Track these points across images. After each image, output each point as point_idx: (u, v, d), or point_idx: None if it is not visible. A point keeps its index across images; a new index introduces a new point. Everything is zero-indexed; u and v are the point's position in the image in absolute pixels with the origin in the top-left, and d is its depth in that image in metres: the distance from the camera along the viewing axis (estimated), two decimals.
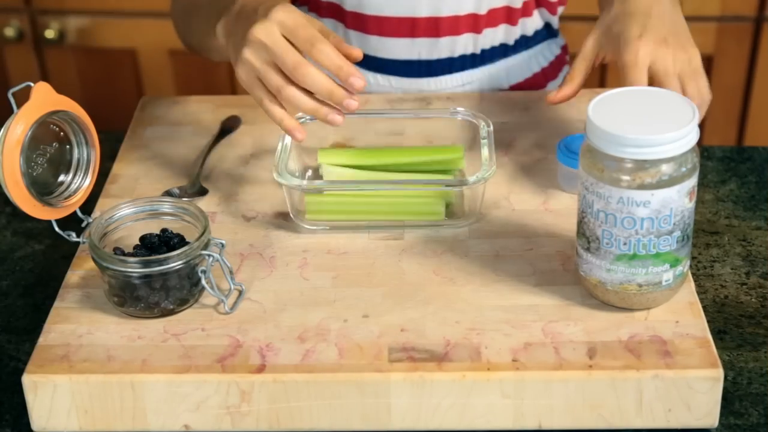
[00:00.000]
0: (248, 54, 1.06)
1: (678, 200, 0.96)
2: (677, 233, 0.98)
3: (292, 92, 1.06)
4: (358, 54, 1.10)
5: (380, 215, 1.13)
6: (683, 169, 0.95)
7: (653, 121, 0.96)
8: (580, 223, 1.01)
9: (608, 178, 0.96)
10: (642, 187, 0.95)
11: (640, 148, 0.94)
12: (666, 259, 0.98)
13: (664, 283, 1.00)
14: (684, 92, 1.11)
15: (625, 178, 0.95)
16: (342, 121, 1.07)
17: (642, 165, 0.95)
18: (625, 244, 0.98)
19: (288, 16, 1.06)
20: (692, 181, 0.97)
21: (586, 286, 1.03)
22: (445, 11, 1.37)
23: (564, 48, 1.52)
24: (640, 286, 0.99)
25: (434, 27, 1.38)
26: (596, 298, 1.02)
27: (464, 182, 1.10)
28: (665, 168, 0.95)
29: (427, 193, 1.14)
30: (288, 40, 1.06)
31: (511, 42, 1.43)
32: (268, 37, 1.05)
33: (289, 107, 1.08)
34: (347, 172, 1.18)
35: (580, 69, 1.17)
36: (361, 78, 1.05)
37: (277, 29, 1.05)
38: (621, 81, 1.11)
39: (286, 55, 1.05)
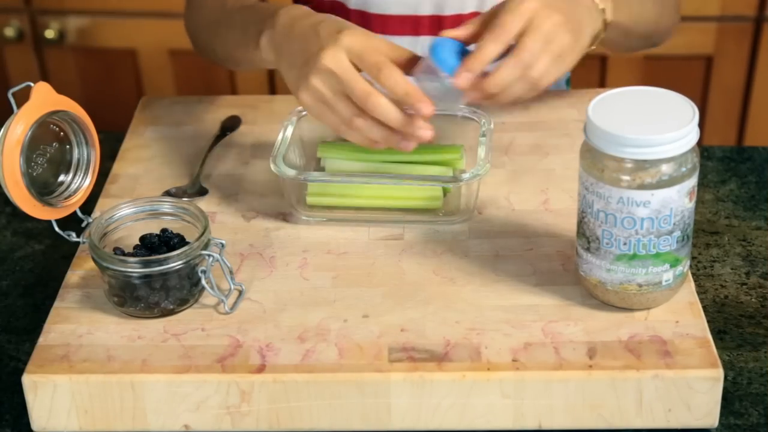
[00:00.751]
0: (316, 82, 1.03)
1: (678, 200, 0.96)
2: (677, 233, 0.98)
3: (362, 123, 1.03)
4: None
5: (379, 200, 1.14)
6: (683, 169, 0.96)
7: (653, 120, 0.96)
8: (580, 223, 1.01)
9: (608, 178, 0.96)
10: (642, 187, 0.95)
11: (640, 148, 0.94)
12: (666, 259, 0.98)
13: (664, 283, 1.00)
14: (527, 56, 1.02)
15: (625, 178, 0.95)
16: (413, 147, 1.05)
17: (642, 165, 0.95)
18: (625, 244, 0.98)
19: (355, 40, 1.03)
20: (692, 181, 0.97)
21: (586, 286, 1.03)
22: (448, 10, 1.38)
23: None
24: (640, 286, 0.99)
25: (438, 25, 1.39)
26: (596, 298, 1.02)
27: (458, 179, 1.11)
28: (665, 168, 0.95)
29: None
30: (356, 66, 1.03)
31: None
32: (338, 66, 1.02)
33: (360, 135, 1.06)
34: (346, 164, 1.18)
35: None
36: (429, 104, 1.02)
37: (346, 56, 1.02)
38: (492, 24, 1.03)
39: (356, 84, 1.02)
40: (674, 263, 0.99)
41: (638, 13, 1.23)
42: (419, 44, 1.40)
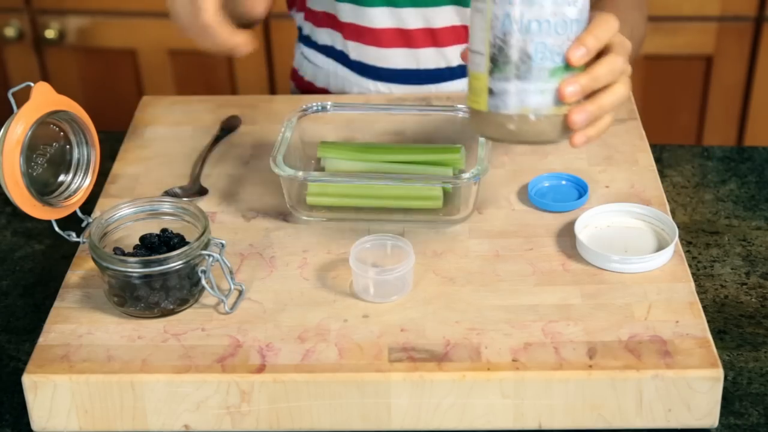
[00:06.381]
0: None
1: (585, 17, 0.92)
2: None
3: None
4: None
5: (379, 200, 1.14)
6: None
7: None
8: (499, 51, 0.92)
9: None
10: None
11: None
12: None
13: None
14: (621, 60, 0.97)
15: None
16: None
17: None
18: (558, 54, 0.91)
19: None
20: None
21: (496, 131, 0.93)
22: (439, 23, 1.36)
23: None
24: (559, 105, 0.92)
25: (431, 38, 1.37)
26: (506, 139, 0.93)
27: (458, 179, 1.11)
28: None
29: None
30: None
31: None
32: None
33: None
34: (346, 164, 1.18)
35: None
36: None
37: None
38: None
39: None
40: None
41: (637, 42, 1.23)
42: (415, 57, 1.39)
